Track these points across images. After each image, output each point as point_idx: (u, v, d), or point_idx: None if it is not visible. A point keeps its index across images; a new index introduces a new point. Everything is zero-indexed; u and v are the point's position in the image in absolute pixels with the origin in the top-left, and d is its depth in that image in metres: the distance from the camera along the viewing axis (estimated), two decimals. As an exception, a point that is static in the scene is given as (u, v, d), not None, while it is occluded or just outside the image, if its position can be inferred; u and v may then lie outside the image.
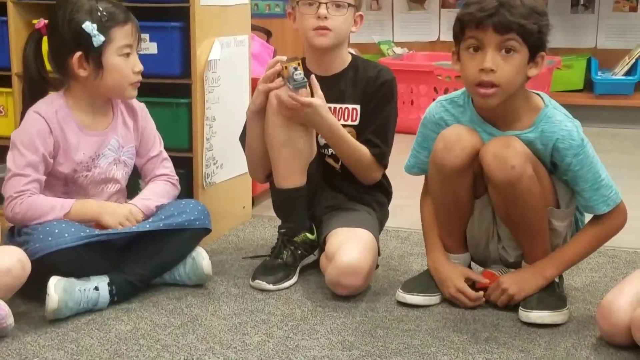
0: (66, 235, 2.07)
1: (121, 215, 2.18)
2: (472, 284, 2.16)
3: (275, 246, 2.38)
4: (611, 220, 2.09)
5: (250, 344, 1.95)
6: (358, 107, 2.39)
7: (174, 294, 2.25)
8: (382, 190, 2.48)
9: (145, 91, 2.40)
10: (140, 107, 2.36)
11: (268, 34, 3.88)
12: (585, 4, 5.15)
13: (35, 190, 2.15)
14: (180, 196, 2.39)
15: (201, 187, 2.64)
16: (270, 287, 2.28)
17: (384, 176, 2.48)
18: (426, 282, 2.20)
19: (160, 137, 2.39)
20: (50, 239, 2.06)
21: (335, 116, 2.34)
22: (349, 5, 2.32)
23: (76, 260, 2.09)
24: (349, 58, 2.42)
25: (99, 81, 2.18)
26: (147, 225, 2.20)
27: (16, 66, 2.63)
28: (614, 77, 4.88)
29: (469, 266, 2.25)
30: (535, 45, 2.01)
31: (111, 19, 2.16)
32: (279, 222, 2.43)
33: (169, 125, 2.55)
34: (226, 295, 2.25)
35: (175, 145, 2.56)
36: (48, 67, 2.27)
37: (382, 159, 2.38)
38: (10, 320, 1.96)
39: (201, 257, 2.28)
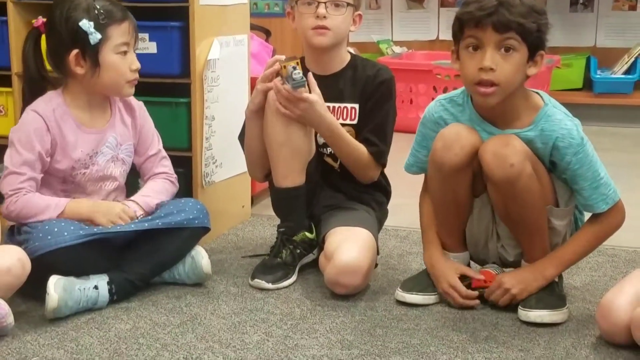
0: (65, 233, 2.07)
1: (113, 214, 2.19)
2: (469, 284, 2.15)
3: (275, 245, 2.38)
4: (610, 218, 2.09)
5: (250, 342, 1.96)
6: (357, 106, 2.39)
7: (173, 293, 2.25)
8: (381, 190, 2.48)
9: (145, 90, 2.41)
10: (138, 105, 2.36)
11: (267, 33, 3.88)
12: (584, 3, 5.15)
13: (31, 189, 2.16)
14: (180, 195, 2.39)
15: (200, 186, 2.64)
16: (270, 286, 2.28)
17: (383, 175, 2.48)
18: (425, 281, 2.20)
19: (159, 135, 2.40)
20: (49, 237, 2.06)
21: (334, 115, 2.34)
22: (348, 4, 2.33)
23: (75, 259, 2.10)
24: (348, 57, 2.42)
25: (95, 79, 2.19)
26: (146, 224, 2.20)
27: (16, 66, 2.63)
28: (613, 75, 4.88)
29: (468, 265, 2.25)
30: (535, 44, 2.01)
31: (108, 17, 2.17)
32: (278, 221, 2.43)
33: (169, 125, 2.55)
34: (225, 294, 2.25)
35: (174, 145, 2.56)
36: (47, 65, 2.27)
37: (380, 157, 2.38)
38: (10, 319, 1.96)
39: (200, 256, 2.28)
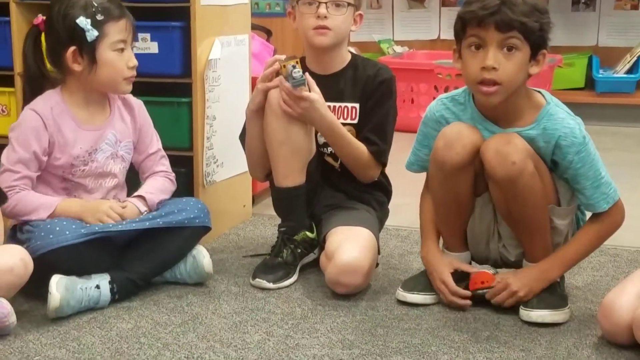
0: (67, 232, 2.08)
1: (100, 211, 2.19)
2: (466, 286, 2.14)
3: (275, 245, 2.38)
4: (611, 217, 2.09)
5: (251, 342, 1.95)
6: (357, 105, 2.39)
7: (174, 293, 2.25)
8: (382, 189, 2.48)
9: (146, 90, 2.41)
10: (137, 103, 2.37)
11: (268, 33, 3.88)
12: (586, 2, 5.15)
13: (25, 187, 2.18)
14: (181, 195, 2.40)
15: (201, 186, 2.64)
16: (271, 285, 2.28)
17: (384, 175, 2.48)
18: (426, 280, 2.20)
19: (158, 134, 2.40)
20: (51, 236, 2.07)
21: (334, 115, 2.34)
22: (349, 4, 2.32)
23: (77, 258, 2.10)
24: (349, 57, 2.42)
25: (92, 76, 2.20)
26: (147, 223, 2.21)
27: (19, 66, 2.62)
28: (615, 75, 4.87)
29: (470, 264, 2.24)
30: (537, 43, 2.01)
31: (105, 14, 2.18)
32: (279, 220, 2.43)
33: (170, 124, 2.55)
34: (226, 294, 2.25)
35: (175, 144, 2.56)
36: (47, 63, 2.28)
37: (380, 156, 2.38)
38: (13, 318, 1.96)
39: (202, 256, 2.28)
